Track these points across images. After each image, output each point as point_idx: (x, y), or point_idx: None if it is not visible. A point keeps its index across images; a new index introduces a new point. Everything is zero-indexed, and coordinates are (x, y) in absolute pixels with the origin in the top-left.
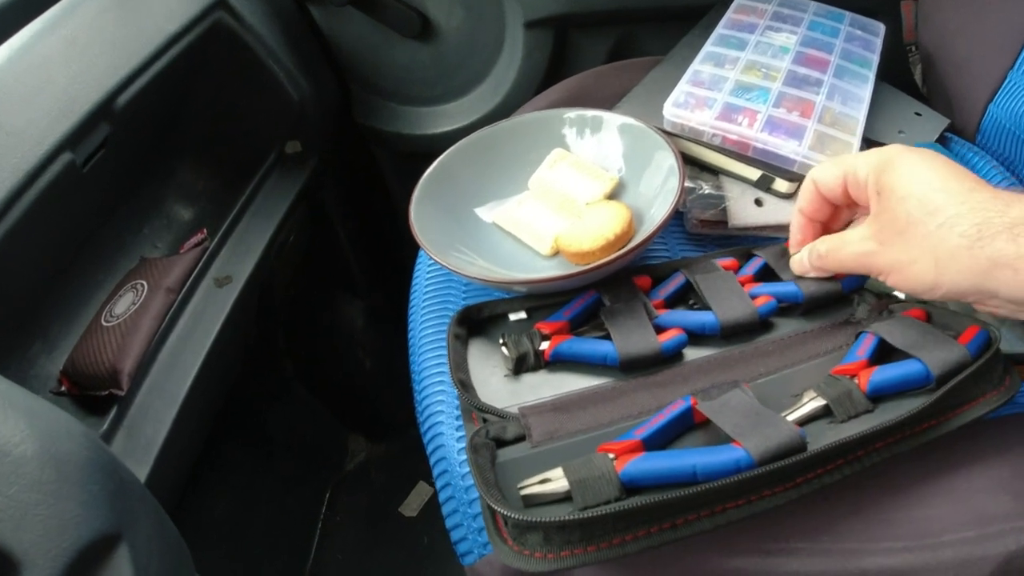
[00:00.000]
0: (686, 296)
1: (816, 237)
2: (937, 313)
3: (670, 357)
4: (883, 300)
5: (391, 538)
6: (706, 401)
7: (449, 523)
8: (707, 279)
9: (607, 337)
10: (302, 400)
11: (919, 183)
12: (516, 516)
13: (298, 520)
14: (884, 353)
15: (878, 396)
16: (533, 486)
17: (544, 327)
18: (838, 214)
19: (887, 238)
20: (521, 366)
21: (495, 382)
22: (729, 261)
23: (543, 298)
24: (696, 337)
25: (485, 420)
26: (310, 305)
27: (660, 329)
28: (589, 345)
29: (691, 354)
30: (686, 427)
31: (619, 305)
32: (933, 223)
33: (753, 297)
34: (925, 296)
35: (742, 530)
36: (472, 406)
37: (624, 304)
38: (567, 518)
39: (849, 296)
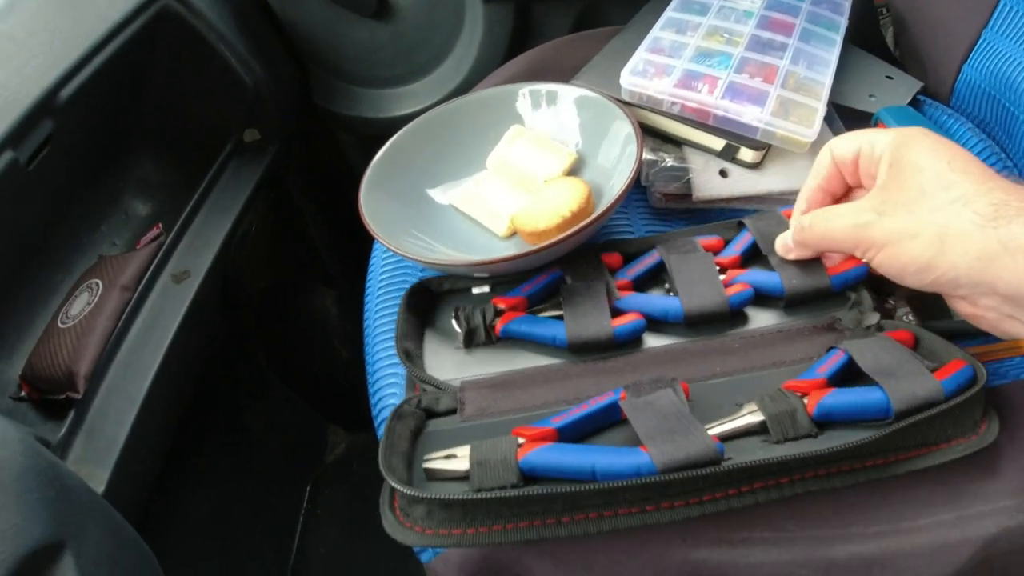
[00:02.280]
0: (660, 276)
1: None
2: (927, 338)
3: (625, 343)
4: (879, 305)
5: (373, 532)
6: (633, 397)
7: None
8: (680, 259)
9: (563, 317)
10: (279, 393)
11: (939, 159)
12: (399, 488)
13: (279, 514)
14: (852, 375)
15: (826, 422)
16: (438, 460)
17: (500, 302)
18: (849, 196)
19: (889, 209)
20: (471, 340)
21: (446, 355)
22: (713, 240)
23: (505, 274)
24: (660, 324)
25: (424, 392)
26: (282, 296)
27: (619, 312)
28: (539, 325)
29: (652, 341)
30: (612, 421)
31: (580, 284)
32: (947, 197)
33: (731, 284)
34: (912, 280)
35: (703, 520)
36: (414, 376)
37: (585, 283)
38: (446, 496)
39: (842, 295)
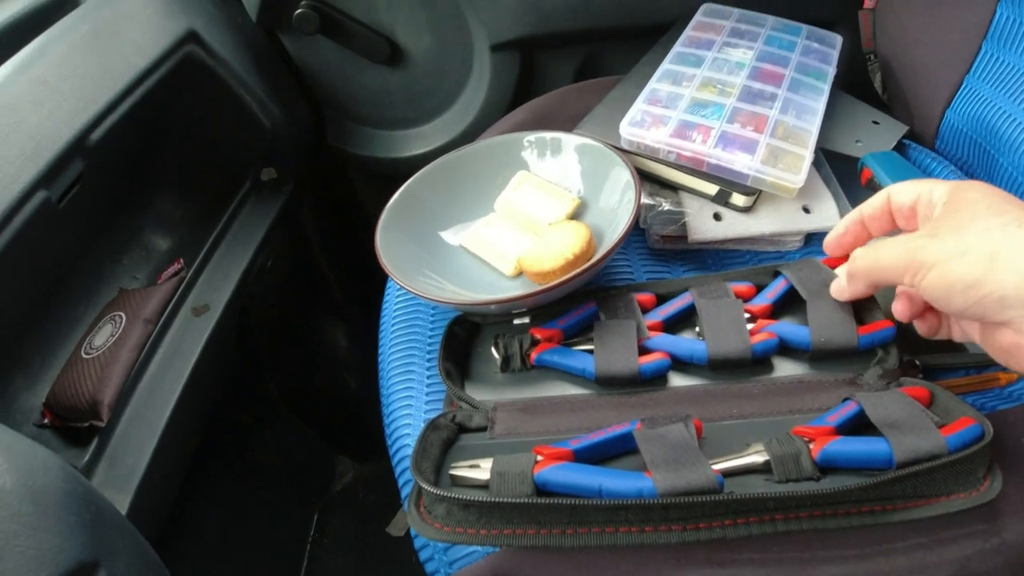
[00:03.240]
0: (692, 318)
1: (856, 238)
2: (942, 396)
3: (650, 380)
4: (902, 367)
5: (379, 559)
6: (647, 429)
7: (418, 543)
8: (710, 304)
9: (594, 351)
10: (288, 422)
11: (993, 195)
12: (426, 487)
13: (286, 542)
14: (862, 426)
15: (829, 467)
16: (463, 469)
17: (538, 332)
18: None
19: (941, 232)
20: (507, 366)
21: (484, 378)
22: (745, 287)
23: (546, 307)
24: (685, 365)
25: (461, 409)
26: (293, 328)
27: (646, 351)
28: (571, 357)
29: (676, 380)
30: (627, 450)
31: (612, 322)
32: (998, 221)
33: (758, 332)
34: (959, 300)
35: (693, 543)
36: (452, 394)
37: (617, 321)
38: (465, 498)
39: (870, 352)
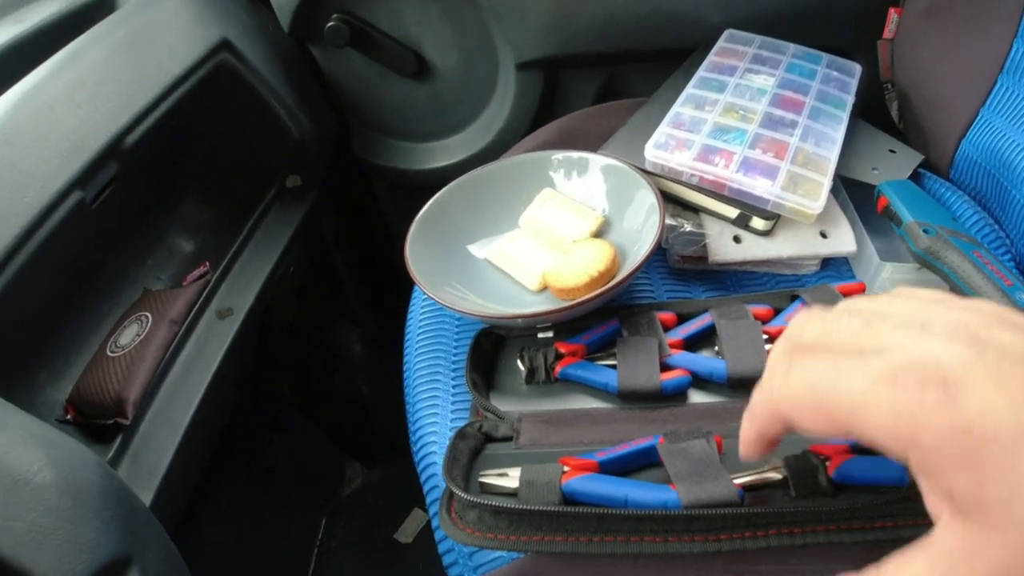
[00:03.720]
0: (711, 338)
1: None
2: None
3: (671, 396)
4: None
5: (386, 564)
6: (670, 443)
7: (441, 548)
8: (729, 325)
9: (616, 366)
10: (300, 426)
11: None
12: (458, 493)
13: (294, 545)
14: None
15: (845, 484)
16: (492, 477)
17: (562, 347)
18: None
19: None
20: (532, 378)
21: (509, 389)
22: (763, 309)
23: (569, 322)
24: (705, 382)
25: (487, 418)
26: (309, 333)
27: (668, 368)
28: (595, 371)
29: (696, 397)
30: (649, 463)
31: (635, 338)
32: None
33: None
34: None
35: (716, 555)
36: (478, 404)
37: (640, 338)
38: (497, 504)
39: None
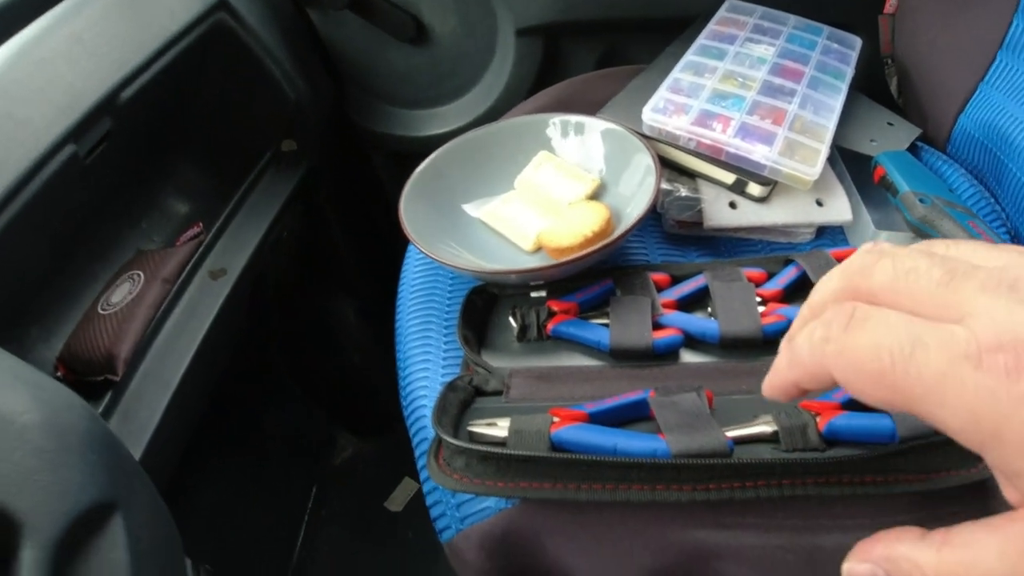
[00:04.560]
0: (704, 300)
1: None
2: None
3: (663, 355)
4: None
5: (377, 533)
6: (661, 396)
7: (429, 500)
8: (723, 286)
9: (609, 324)
10: (292, 396)
11: None
12: (447, 439)
13: (285, 514)
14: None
15: (834, 439)
16: (480, 426)
17: (555, 305)
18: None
19: None
20: (524, 335)
21: (501, 346)
22: (757, 272)
23: (562, 281)
24: (697, 342)
25: (478, 373)
26: (303, 301)
27: (660, 327)
28: (587, 329)
29: (688, 357)
30: (639, 416)
31: (628, 297)
32: None
33: (769, 315)
34: None
35: (703, 505)
36: (469, 359)
37: (633, 297)
38: (485, 450)
39: None
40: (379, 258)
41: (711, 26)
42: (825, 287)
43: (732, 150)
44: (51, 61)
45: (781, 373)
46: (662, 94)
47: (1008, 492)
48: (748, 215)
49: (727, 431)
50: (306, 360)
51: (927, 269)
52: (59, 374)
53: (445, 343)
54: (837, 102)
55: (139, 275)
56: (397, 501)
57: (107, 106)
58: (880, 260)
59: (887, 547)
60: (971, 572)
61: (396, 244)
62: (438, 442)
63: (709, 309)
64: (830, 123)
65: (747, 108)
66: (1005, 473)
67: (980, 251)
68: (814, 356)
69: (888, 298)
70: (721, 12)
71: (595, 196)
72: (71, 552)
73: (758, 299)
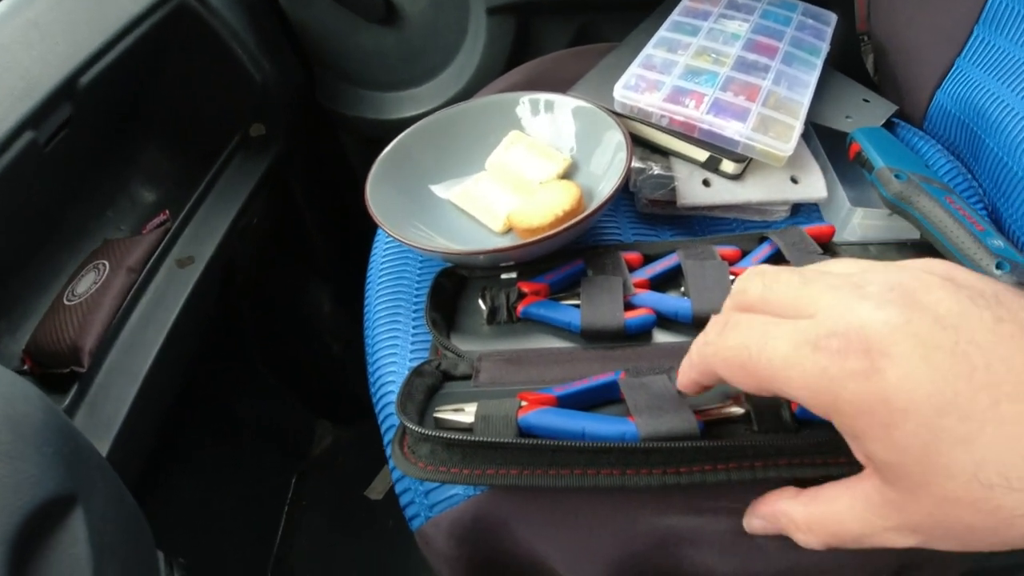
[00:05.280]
0: (677, 279)
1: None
2: None
3: (635, 335)
4: None
5: (357, 522)
6: (631, 377)
7: (399, 488)
8: (696, 265)
9: (580, 305)
10: (269, 385)
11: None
12: (410, 426)
13: (264, 505)
14: None
15: (807, 421)
16: (447, 412)
17: (525, 286)
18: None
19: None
20: (493, 318)
21: (470, 329)
22: (731, 250)
23: (532, 263)
24: (670, 323)
25: (446, 357)
26: (276, 289)
27: (632, 307)
28: (557, 310)
29: (661, 337)
30: (610, 398)
31: (599, 277)
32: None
33: None
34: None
35: (675, 489)
36: (438, 343)
37: (604, 277)
38: (449, 437)
39: None
40: (352, 243)
41: (685, 2)
42: (724, 306)
43: (705, 127)
44: (7, 47)
45: (684, 372)
46: (634, 71)
47: (857, 454)
48: (722, 193)
49: (698, 412)
50: (282, 348)
51: (787, 279)
52: (25, 367)
53: (414, 328)
54: (812, 78)
55: (104, 264)
56: (377, 490)
57: (66, 91)
58: (754, 278)
59: (769, 504)
60: (829, 521)
61: (369, 229)
62: (403, 429)
63: (682, 288)
64: (804, 99)
65: (720, 84)
66: (848, 437)
67: (841, 262)
68: (702, 357)
69: (760, 307)
70: None
71: (567, 175)
72: (28, 547)
73: (731, 278)
